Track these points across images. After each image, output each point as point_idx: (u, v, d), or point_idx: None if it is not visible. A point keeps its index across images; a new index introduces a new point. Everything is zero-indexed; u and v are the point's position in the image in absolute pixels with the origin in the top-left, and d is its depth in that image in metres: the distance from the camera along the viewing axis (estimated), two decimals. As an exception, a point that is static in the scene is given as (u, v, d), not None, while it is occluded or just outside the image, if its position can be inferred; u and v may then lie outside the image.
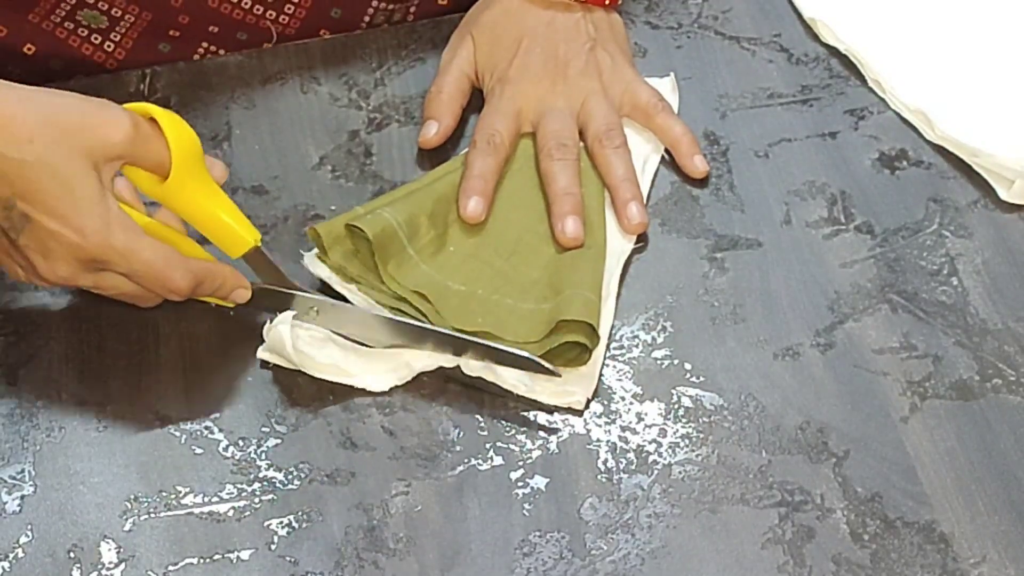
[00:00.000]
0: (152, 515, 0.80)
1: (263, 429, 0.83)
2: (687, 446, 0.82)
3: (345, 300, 0.85)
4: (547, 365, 0.82)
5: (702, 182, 0.93)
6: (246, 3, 0.99)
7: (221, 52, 1.00)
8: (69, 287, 0.83)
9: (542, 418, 0.83)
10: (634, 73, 0.96)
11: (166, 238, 0.82)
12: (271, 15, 1.00)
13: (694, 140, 0.93)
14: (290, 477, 0.81)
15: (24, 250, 0.79)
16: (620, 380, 0.85)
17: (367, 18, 1.02)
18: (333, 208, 0.91)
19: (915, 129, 0.96)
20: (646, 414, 0.83)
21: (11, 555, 0.78)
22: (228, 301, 0.85)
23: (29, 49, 0.99)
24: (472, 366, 0.84)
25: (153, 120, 0.79)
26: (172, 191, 0.80)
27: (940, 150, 0.95)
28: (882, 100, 0.97)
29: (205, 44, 1.00)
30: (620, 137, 0.92)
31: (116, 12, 0.98)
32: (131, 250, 0.78)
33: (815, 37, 1.00)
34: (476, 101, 0.96)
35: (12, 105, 0.76)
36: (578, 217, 0.88)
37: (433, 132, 0.93)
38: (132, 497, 0.80)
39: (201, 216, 0.82)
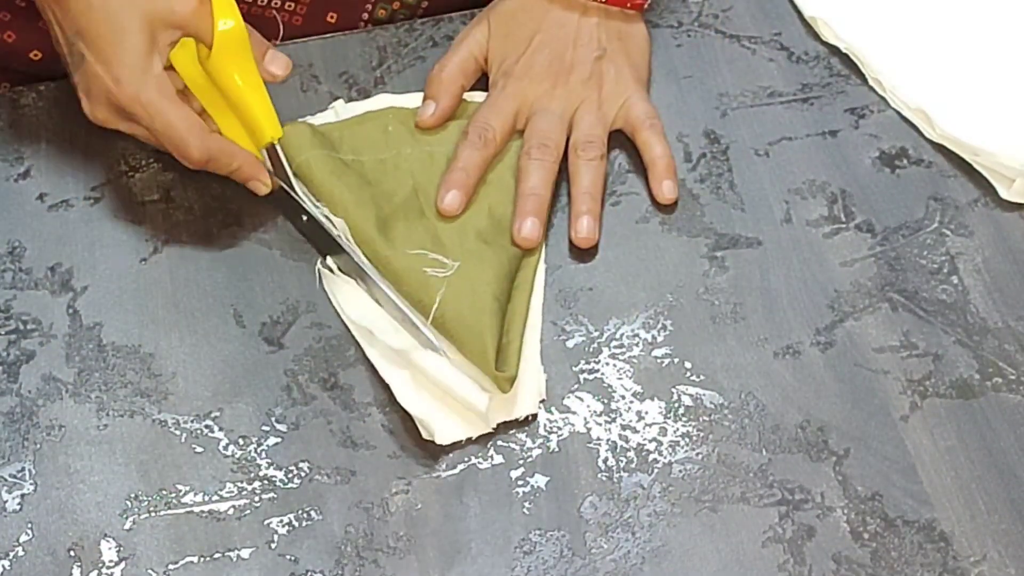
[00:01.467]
0: (152, 514, 0.80)
1: (263, 428, 0.83)
2: (687, 445, 0.82)
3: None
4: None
5: (703, 180, 0.93)
6: None
7: None
8: (110, 129, 0.88)
9: (543, 416, 0.83)
10: (637, 88, 0.95)
11: (220, 111, 0.88)
12: (276, 2, 1.00)
13: (671, 165, 0.92)
14: (290, 476, 0.81)
15: (77, 86, 0.86)
16: (620, 379, 0.85)
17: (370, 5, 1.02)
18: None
19: (915, 128, 0.96)
20: (646, 413, 0.83)
21: (11, 554, 0.78)
22: (250, 188, 0.89)
23: (36, 55, 0.99)
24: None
25: None
26: (212, 67, 0.86)
27: (940, 149, 0.95)
28: (882, 99, 0.97)
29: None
30: (598, 150, 0.92)
31: None
32: (156, 109, 0.84)
33: (815, 36, 1.00)
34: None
35: None
36: (537, 219, 0.89)
37: (430, 113, 0.94)
38: (132, 496, 0.80)
39: (233, 98, 0.87)
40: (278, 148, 0.88)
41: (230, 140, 0.88)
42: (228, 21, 0.84)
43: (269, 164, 0.89)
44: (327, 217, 0.88)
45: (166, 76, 0.84)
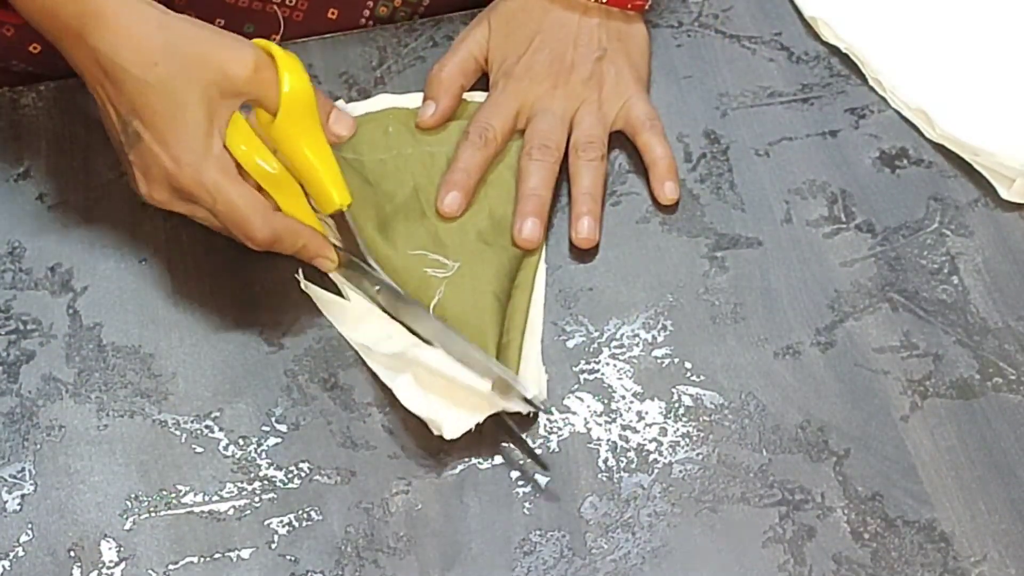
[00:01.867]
0: (152, 514, 0.79)
1: (263, 428, 0.83)
2: (687, 445, 0.82)
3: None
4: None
5: (703, 180, 0.93)
6: None
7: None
8: (167, 211, 0.85)
9: (542, 417, 0.83)
10: (637, 89, 0.95)
11: (278, 187, 0.84)
12: None
13: (672, 166, 0.92)
14: (290, 476, 0.81)
15: (133, 166, 0.83)
16: (620, 379, 0.85)
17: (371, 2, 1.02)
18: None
19: (916, 128, 0.96)
20: (646, 413, 0.83)
21: (11, 554, 0.78)
22: (316, 265, 0.87)
23: (35, 48, 0.99)
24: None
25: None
26: (277, 133, 0.82)
27: (940, 149, 0.94)
28: (883, 99, 0.97)
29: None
30: (598, 151, 0.92)
31: None
32: (219, 190, 0.81)
33: (816, 36, 1.00)
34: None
35: (149, 27, 0.80)
36: (538, 220, 0.89)
37: (430, 114, 0.94)
38: (132, 496, 0.80)
39: (299, 163, 0.83)
40: (347, 216, 0.86)
41: (293, 217, 0.84)
42: (293, 82, 0.81)
43: (336, 232, 0.87)
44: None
45: (226, 154, 0.81)
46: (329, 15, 1.01)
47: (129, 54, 0.80)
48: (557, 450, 0.82)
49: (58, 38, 0.82)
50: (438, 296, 0.85)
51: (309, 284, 0.87)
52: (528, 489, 0.80)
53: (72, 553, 0.78)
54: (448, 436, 0.80)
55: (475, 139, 0.91)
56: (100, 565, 0.78)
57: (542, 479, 0.81)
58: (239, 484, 0.81)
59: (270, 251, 0.85)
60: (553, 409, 0.83)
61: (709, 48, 1.00)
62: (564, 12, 0.95)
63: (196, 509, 0.80)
